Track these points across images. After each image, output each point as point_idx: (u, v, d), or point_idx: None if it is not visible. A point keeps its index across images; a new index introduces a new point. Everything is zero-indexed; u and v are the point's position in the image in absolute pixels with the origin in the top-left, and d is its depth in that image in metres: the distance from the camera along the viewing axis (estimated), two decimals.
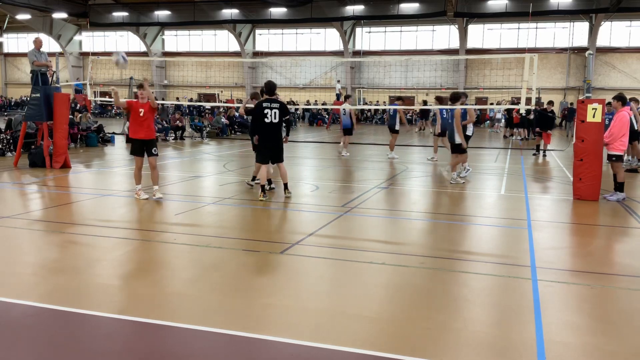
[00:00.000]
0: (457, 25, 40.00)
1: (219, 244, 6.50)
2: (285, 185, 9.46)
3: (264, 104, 9.15)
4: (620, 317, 4.48)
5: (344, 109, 17.26)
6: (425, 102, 30.46)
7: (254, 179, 10.36)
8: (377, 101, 41.64)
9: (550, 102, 18.19)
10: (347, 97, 19.40)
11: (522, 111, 18.25)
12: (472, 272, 5.55)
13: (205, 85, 44.55)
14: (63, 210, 8.40)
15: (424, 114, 29.00)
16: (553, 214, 8.73)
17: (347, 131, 17.21)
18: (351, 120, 17.16)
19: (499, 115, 31.67)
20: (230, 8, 39.03)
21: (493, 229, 7.74)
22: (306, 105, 40.95)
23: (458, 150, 11.40)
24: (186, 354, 3.67)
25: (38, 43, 13.00)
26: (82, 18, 42.43)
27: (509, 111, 24.76)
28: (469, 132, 11.90)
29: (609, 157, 9.77)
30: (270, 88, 9.29)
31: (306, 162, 15.77)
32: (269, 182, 9.90)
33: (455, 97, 11.71)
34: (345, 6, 36.91)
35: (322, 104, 40.11)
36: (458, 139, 11.27)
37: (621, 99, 9.96)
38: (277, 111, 9.13)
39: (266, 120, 9.10)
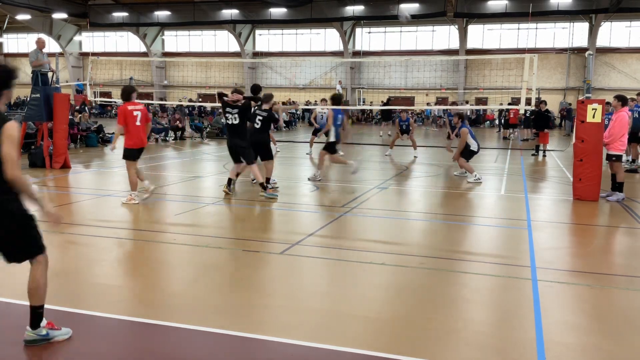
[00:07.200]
0: (457, 26, 39.98)
1: (219, 244, 6.50)
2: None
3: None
4: (620, 317, 4.48)
5: (321, 114, 16.42)
6: (387, 102, 29.49)
7: (267, 180, 10.17)
8: (379, 100, 41.60)
9: (544, 102, 18.28)
10: (322, 100, 18.78)
11: (522, 111, 18.26)
12: (472, 273, 5.55)
13: (205, 86, 44.52)
14: (63, 211, 8.39)
15: (386, 115, 27.68)
16: (553, 214, 8.73)
17: (318, 131, 16.49)
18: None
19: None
20: (230, 8, 39.00)
21: (493, 229, 7.74)
22: (306, 105, 40.94)
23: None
24: (186, 354, 3.67)
25: (41, 43, 13.00)
26: (82, 18, 42.36)
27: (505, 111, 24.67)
28: (473, 148, 11.82)
29: (609, 157, 9.78)
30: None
31: (306, 162, 15.77)
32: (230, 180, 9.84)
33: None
34: (345, 6, 36.89)
35: (315, 104, 40.06)
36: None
37: (621, 99, 9.96)
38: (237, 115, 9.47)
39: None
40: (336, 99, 11.75)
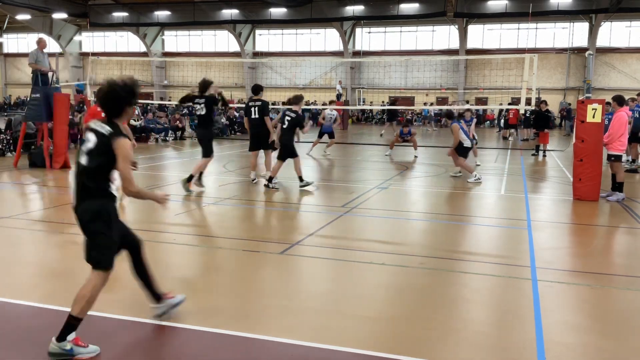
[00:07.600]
0: (457, 26, 39.97)
1: (219, 244, 6.50)
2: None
3: (250, 103, 10.74)
4: (620, 317, 4.48)
5: (330, 116, 17.58)
6: (393, 102, 29.63)
7: (271, 179, 10.34)
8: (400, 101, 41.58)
9: (544, 102, 18.26)
10: (331, 102, 19.61)
11: (522, 111, 18.26)
12: (472, 273, 5.55)
13: None
14: (63, 211, 8.38)
15: (391, 116, 27.78)
16: (553, 214, 8.73)
17: (330, 135, 17.67)
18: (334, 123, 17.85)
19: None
20: (230, 8, 38.99)
21: (493, 229, 7.74)
22: (306, 105, 40.95)
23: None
24: (186, 354, 3.67)
25: (42, 44, 13.01)
26: (82, 18, 42.36)
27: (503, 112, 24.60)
28: (467, 144, 11.81)
29: (609, 157, 9.79)
30: (255, 89, 10.95)
31: (306, 162, 15.76)
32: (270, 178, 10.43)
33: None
34: (345, 6, 36.87)
35: (322, 105, 40.07)
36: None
37: (618, 99, 9.97)
38: (256, 108, 10.59)
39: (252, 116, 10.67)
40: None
